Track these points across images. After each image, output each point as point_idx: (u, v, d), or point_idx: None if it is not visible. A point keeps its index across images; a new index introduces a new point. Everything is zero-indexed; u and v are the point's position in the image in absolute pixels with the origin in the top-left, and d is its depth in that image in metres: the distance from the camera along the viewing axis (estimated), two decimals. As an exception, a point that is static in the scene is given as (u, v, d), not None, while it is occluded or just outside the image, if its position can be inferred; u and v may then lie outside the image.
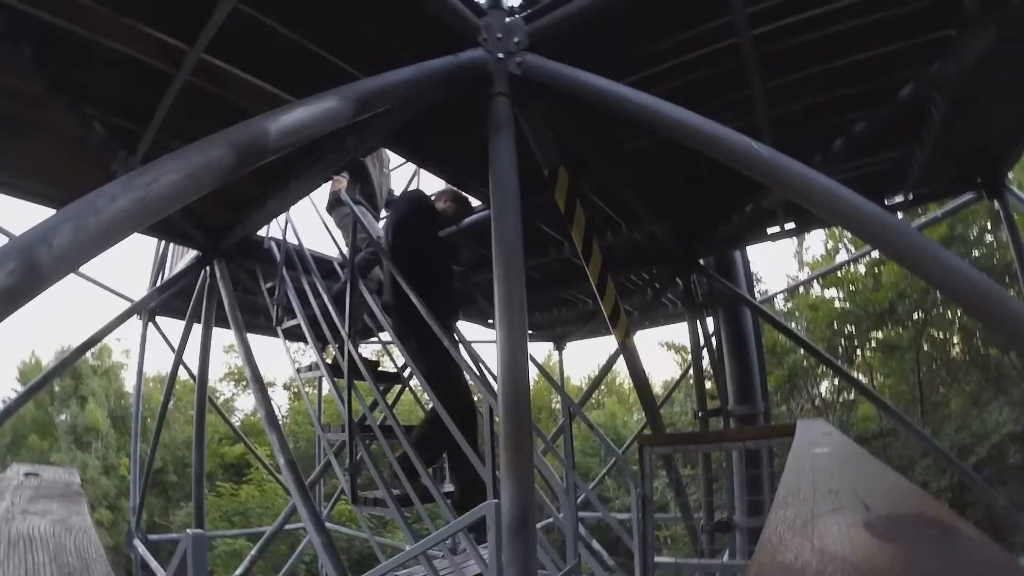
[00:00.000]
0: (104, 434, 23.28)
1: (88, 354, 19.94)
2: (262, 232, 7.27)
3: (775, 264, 62.81)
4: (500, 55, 3.94)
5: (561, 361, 13.25)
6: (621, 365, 7.37)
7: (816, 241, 21.32)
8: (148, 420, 15.33)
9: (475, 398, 5.76)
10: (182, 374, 8.62)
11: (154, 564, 7.38)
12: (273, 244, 7.28)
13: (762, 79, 4.68)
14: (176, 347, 7.80)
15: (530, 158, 4.67)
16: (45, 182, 5.07)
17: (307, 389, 16.34)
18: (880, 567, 0.69)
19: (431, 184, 10.94)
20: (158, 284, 7.89)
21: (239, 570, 9.00)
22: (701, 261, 7.89)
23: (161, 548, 8.60)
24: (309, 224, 7.76)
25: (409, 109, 4.46)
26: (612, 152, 5.74)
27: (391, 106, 3.81)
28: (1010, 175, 6.61)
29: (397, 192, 8.50)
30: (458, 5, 3.87)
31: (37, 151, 4.74)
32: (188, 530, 1.18)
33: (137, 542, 7.95)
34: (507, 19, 4.08)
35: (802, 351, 16.19)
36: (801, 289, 18.62)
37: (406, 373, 7.08)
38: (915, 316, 16.66)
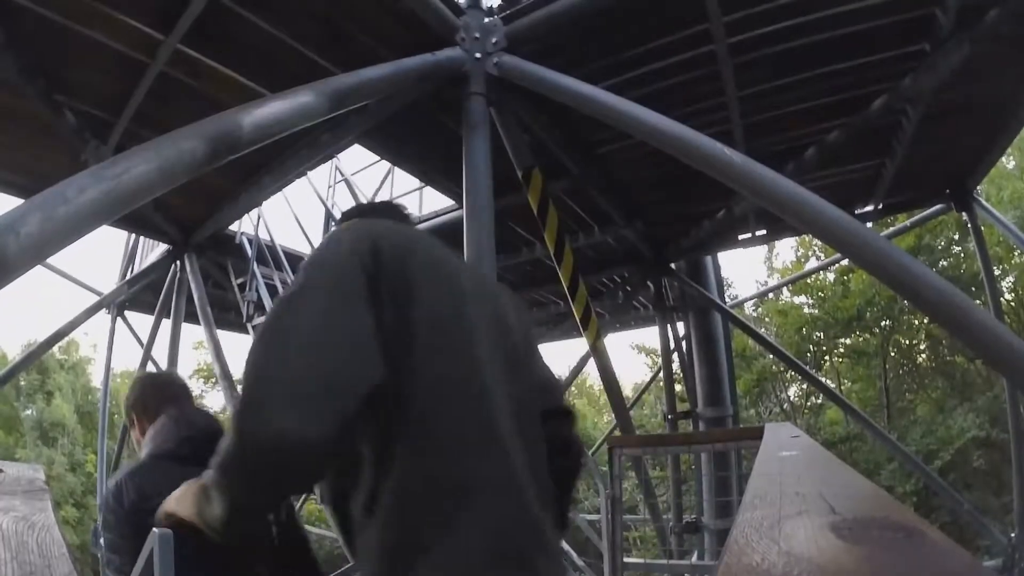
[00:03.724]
0: (71, 430, 22.87)
1: (55, 348, 19.61)
2: (234, 227, 7.20)
3: (745, 270, 63.17)
4: (477, 55, 3.94)
5: (533, 362, 13.21)
6: (592, 367, 7.38)
7: (786, 248, 21.50)
8: (116, 416, 15.04)
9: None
10: (151, 369, 8.51)
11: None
12: (245, 239, 7.21)
13: (737, 86, 4.73)
14: (145, 342, 7.69)
15: (504, 158, 4.67)
16: (13, 170, 4.98)
17: (277, 387, 16.11)
18: (846, 569, 0.70)
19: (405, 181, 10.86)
20: (127, 277, 7.79)
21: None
22: (672, 265, 7.96)
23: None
24: (282, 219, 7.70)
25: (385, 107, 4.44)
26: (586, 155, 5.77)
27: (367, 103, 3.79)
28: (979, 188, 6.72)
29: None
30: (437, 3, 3.86)
31: (5, 139, 4.66)
32: (154, 529, 1.16)
33: (103, 540, 7.83)
34: (486, 19, 4.08)
35: (771, 356, 16.32)
36: (771, 295, 18.77)
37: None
38: (883, 323, 16.89)
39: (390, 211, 1.73)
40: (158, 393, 2.18)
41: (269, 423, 1.06)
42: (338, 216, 6.50)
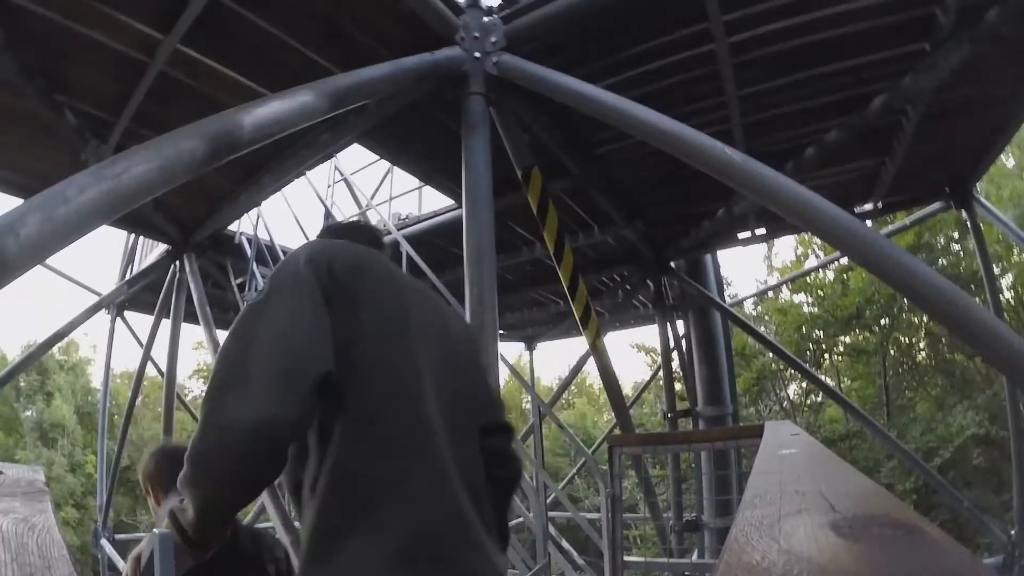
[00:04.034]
0: (70, 431, 22.82)
1: (55, 349, 19.59)
2: (234, 227, 7.20)
3: (745, 268, 63.10)
4: (477, 55, 3.94)
5: (532, 361, 13.26)
6: (592, 366, 7.39)
7: (786, 247, 21.49)
8: (115, 417, 15.07)
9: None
10: (150, 370, 8.53)
11: (121, 564, 7.26)
12: (244, 239, 7.20)
13: (737, 86, 4.73)
14: (144, 342, 7.70)
15: (503, 158, 4.68)
16: (13, 170, 4.98)
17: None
18: (845, 567, 0.70)
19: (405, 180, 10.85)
20: (127, 278, 7.79)
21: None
22: (672, 264, 7.96)
23: (128, 548, 8.45)
24: (281, 219, 7.70)
25: (384, 106, 4.44)
26: (586, 154, 5.77)
27: (366, 103, 3.79)
28: (978, 186, 6.73)
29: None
30: (436, 3, 3.86)
31: (5, 138, 4.66)
32: (155, 529, 1.17)
33: (104, 541, 7.83)
34: (485, 19, 4.08)
35: (771, 354, 16.31)
36: (770, 293, 18.76)
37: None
38: (882, 321, 16.89)
39: (363, 231, 1.91)
40: (172, 469, 2.25)
41: (236, 410, 1.18)
42: (339, 217, 6.51)
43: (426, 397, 1.39)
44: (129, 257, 8.30)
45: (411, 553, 1.22)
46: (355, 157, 16.26)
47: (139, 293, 7.72)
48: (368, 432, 1.31)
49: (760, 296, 18.59)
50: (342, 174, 8.34)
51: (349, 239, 1.74)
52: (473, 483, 1.42)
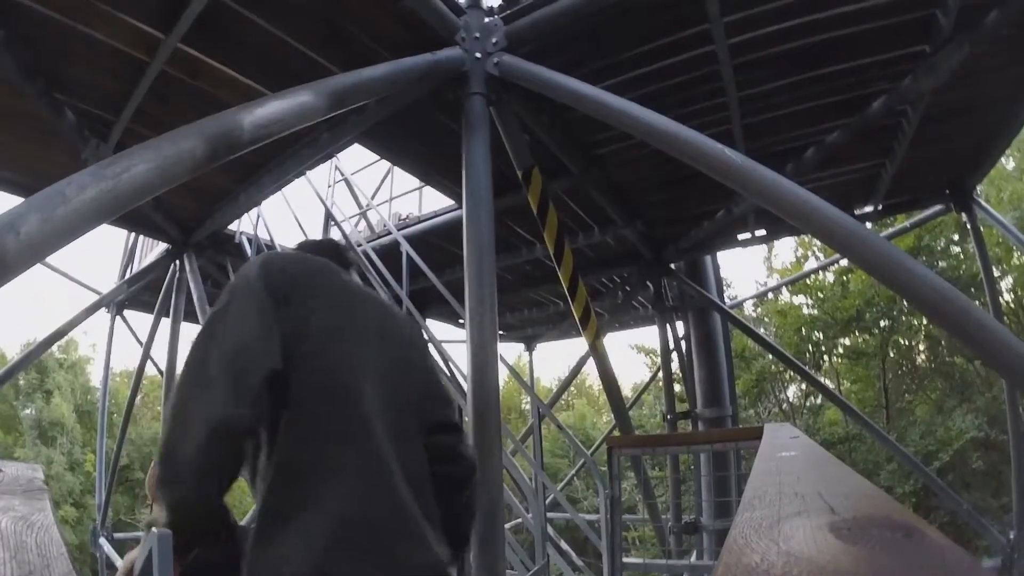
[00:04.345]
0: (70, 429, 22.84)
1: (54, 347, 19.60)
2: (233, 226, 7.20)
3: (745, 270, 63.11)
4: (477, 55, 3.95)
5: (531, 362, 13.27)
6: (591, 367, 7.39)
7: (785, 248, 21.51)
8: (115, 416, 15.07)
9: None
10: (150, 369, 8.52)
11: (120, 563, 7.26)
12: (244, 238, 7.20)
13: (737, 87, 4.73)
14: (144, 341, 7.69)
15: (503, 158, 4.68)
16: (13, 169, 4.98)
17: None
18: (845, 569, 0.69)
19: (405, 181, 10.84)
20: (127, 277, 7.79)
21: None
22: (672, 265, 7.96)
23: (127, 546, 8.45)
24: (281, 219, 7.70)
25: (385, 106, 4.44)
26: (586, 155, 5.77)
27: (366, 102, 3.80)
28: (978, 188, 6.73)
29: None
30: (437, 3, 3.87)
31: (5, 137, 4.66)
32: (154, 529, 1.17)
33: (103, 540, 7.83)
34: (486, 19, 4.09)
35: (770, 356, 16.33)
36: (770, 295, 18.77)
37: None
38: (882, 324, 16.88)
39: (330, 249, 2.03)
40: None
41: (196, 411, 1.32)
42: (339, 217, 6.52)
43: (365, 394, 1.52)
44: (129, 256, 8.30)
45: (346, 538, 1.33)
46: (355, 157, 16.27)
47: (139, 292, 7.72)
48: (309, 425, 1.43)
49: (760, 298, 18.60)
50: (342, 174, 8.37)
51: (316, 253, 1.89)
52: (416, 477, 1.54)
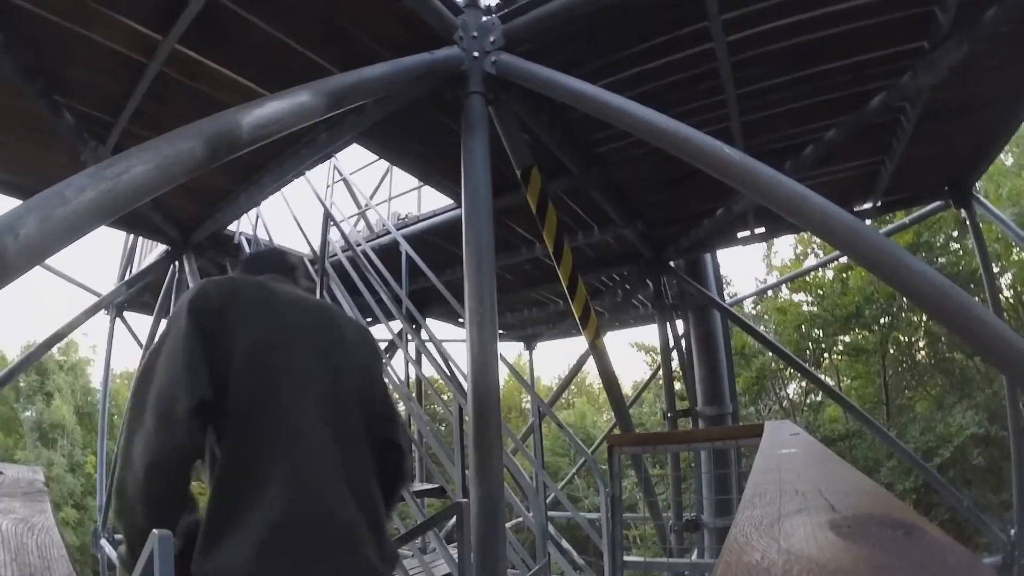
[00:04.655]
0: (70, 431, 22.84)
1: (54, 349, 19.58)
2: (233, 227, 7.20)
3: (744, 267, 63.15)
4: (475, 54, 3.95)
5: (531, 361, 13.30)
6: (591, 365, 7.38)
7: (785, 246, 21.50)
8: (115, 417, 15.08)
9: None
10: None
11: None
12: (244, 239, 7.20)
13: (736, 84, 4.73)
14: (144, 343, 7.68)
15: (503, 157, 4.68)
16: (12, 170, 4.98)
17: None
18: (845, 567, 0.70)
19: (404, 180, 10.84)
20: (126, 278, 7.78)
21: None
22: (671, 263, 7.96)
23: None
24: (280, 219, 7.69)
25: (383, 106, 4.44)
26: (585, 154, 5.77)
27: (365, 102, 3.79)
28: (977, 185, 6.73)
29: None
30: (435, 3, 3.87)
31: (4, 138, 4.65)
32: (154, 530, 1.19)
33: (104, 542, 7.81)
34: (484, 18, 4.08)
35: (770, 353, 16.33)
36: (770, 293, 18.78)
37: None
38: (881, 320, 16.90)
39: (271, 259, 2.16)
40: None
41: (137, 446, 1.46)
42: (338, 217, 6.52)
43: (298, 404, 1.61)
44: (128, 257, 8.29)
45: (275, 545, 1.42)
46: (355, 157, 16.29)
47: (138, 293, 7.71)
48: (242, 440, 1.53)
49: (759, 295, 18.60)
50: (341, 174, 8.38)
51: (258, 266, 2.07)
52: (359, 483, 1.65)
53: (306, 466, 1.54)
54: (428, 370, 7.78)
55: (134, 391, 1.57)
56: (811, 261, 18.11)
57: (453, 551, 4.10)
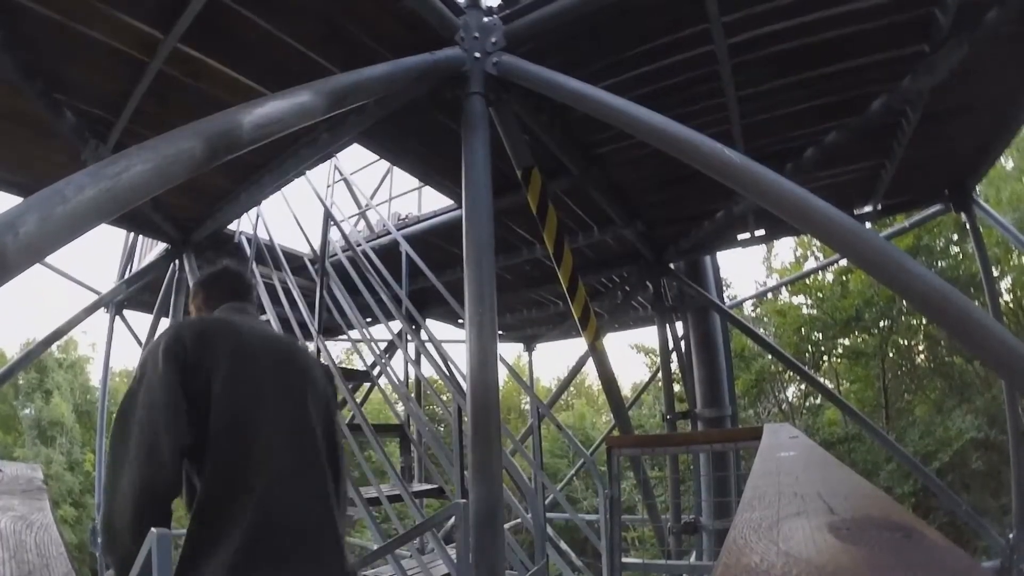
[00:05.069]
0: (69, 429, 22.87)
1: (53, 347, 19.57)
2: (233, 226, 7.20)
3: (744, 270, 63.20)
4: (477, 55, 3.95)
5: (531, 362, 13.30)
6: (590, 367, 7.39)
7: (785, 248, 21.54)
8: (114, 415, 15.08)
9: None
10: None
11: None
12: (244, 238, 7.20)
13: (736, 87, 4.73)
14: (143, 341, 7.68)
15: (503, 158, 4.68)
16: (12, 169, 4.97)
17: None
18: (844, 570, 0.69)
19: (404, 181, 10.84)
20: (126, 276, 7.77)
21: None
22: (671, 265, 7.96)
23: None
24: (280, 219, 7.70)
25: (384, 106, 4.44)
26: (585, 155, 5.77)
27: (366, 102, 3.79)
28: (977, 188, 6.73)
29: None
30: (436, 3, 3.86)
31: (4, 138, 4.64)
32: (153, 528, 1.22)
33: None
34: (485, 19, 4.08)
35: (770, 356, 16.35)
36: (769, 295, 18.79)
37: (375, 372, 7.07)
38: (881, 324, 16.92)
39: (227, 280, 2.30)
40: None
41: (122, 485, 1.60)
42: (339, 217, 6.51)
43: (263, 438, 1.76)
44: (128, 256, 8.28)
45: (252, 557, 1.58)
46: (355, 157, 16.30)
47: (138, 292, 7.70)
48: (216, 475, 1.67)
49: (759, 298, 18.61)
50: (342, 174, 8.38)
51: (217, 289, 2.25)
52: (322, 495, 1.85)
53: (273, 494, 1.69)
54: (427, 370, 7.80)
55: (117, 426, 1.70)
56: (811, 264, 18.16)
57: (452, 552, 4.09)
